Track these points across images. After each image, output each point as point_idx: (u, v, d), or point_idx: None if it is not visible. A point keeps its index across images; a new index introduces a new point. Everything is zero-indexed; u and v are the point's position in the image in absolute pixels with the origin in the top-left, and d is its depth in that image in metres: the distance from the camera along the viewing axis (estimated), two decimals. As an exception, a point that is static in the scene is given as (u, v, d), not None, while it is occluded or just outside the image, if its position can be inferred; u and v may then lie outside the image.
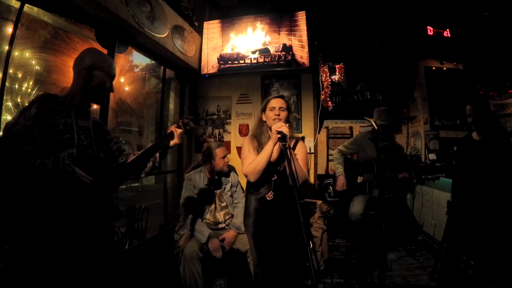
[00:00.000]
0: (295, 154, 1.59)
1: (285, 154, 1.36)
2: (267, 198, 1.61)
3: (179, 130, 1.41)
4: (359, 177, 2.50)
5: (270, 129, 1.66)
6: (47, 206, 1.06)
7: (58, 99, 1.18)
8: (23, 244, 1.07)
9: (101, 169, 1.23)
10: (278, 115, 1.60)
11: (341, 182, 2.51)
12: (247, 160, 1.60)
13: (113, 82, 1.35)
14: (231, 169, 2.35)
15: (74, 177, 1.08)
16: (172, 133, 1.39)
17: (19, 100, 2.68)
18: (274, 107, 1.62)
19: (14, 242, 1.08)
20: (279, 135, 1.44)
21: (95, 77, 1.23)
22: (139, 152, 1.36)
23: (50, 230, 1.07)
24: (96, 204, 1.17)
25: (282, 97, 1.68)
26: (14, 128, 1.04)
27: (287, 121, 1.62)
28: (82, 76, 1.22)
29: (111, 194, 1.30)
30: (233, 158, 3.43)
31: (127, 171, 1.36)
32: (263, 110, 1.69)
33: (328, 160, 4.24)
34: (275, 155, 1.58)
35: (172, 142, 1.40)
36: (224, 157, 2.19)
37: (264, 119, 1.69)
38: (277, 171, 1.62)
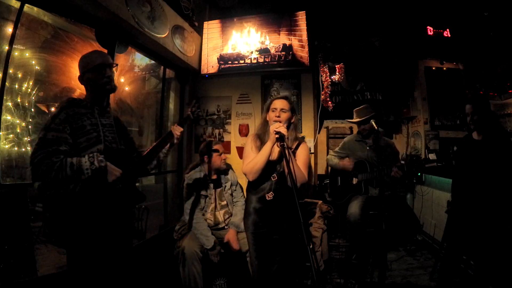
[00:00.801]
0: (295, 158, 1.60)
1: (283, 155, 1.36)
2: (267, 198, 1.61)
3: (180, 129, 1.56)
4: (354, 178, 2.51)
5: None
6: (84, 196, 1.20)
7: (81, 103, 1.32)
8: (64, 230, 1.21)
9: (125, 159, 1.38)
10: (278, 116, 1.60)
11: (345, 161, 2.50)
12: (247, 159, 1.61)
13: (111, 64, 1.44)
14: (229, 167, 2.35)
15: (106, 171, 1.22)
16: (171, 133, 1.54)
17: (19, 100, 2.67)
18: (276, 108, 1.62)
19: (56, 229, 1.22)
20: (277, 135, 1.44)
21: (90, 79, 1.35)
22: (148, 149, 1.52)
23: (86, 216, 1.21)
24: (123, 191, 1.33)
25: (285, 98, 1.69)
26: (49, 133, 1.17)
27: (288, 122, 1.62)
28: (86, 80, 1.37)
29: (135, 180, 1.48)
30: (233, 158, 3.43)
31: (145, 161, 1.52)
32: (267, 110, 1.69)
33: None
34: (275, 155, 1.59)
35: (173, 140, 1.55)
36: (220, 154, 2.20)
37: (267, 119, 1.69)
38: (277, 171, 1.62)
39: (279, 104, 1.63)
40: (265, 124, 1.70)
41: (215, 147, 2.20)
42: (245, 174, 1.59)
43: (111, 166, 1.24)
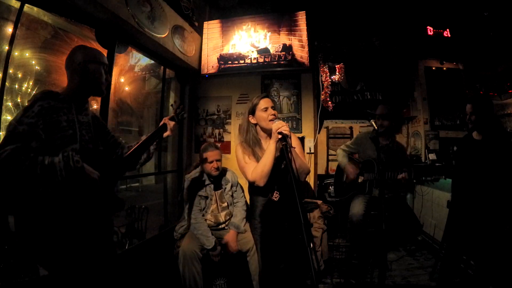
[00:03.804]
0: (294, 148, 1.57)
1: (285, 155, 1.33)
2: (274, 199, 1.60)
3: (172, 122, 1.50)
4: (360, 176, 2.50)
5: (264, 129, 1.64)
6: (56, 201, 1.07)
7: (58, 96, 1.19)
8: (33, 241, 1.08)
9: (102, 162, 1.25)
10: (274, 115, 1.58)
11: (350, 169, 2.47)
12: (249, 168, 1.57)
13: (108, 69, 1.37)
14: (224, 172, 2.28)
15: (83, 173, 1.08)
16: (165, 125, 1.48)
17: (19, 100, 2.68)
18: (267, 107, 1.59)
19: (25, 240, 1.08)
20: (279, 136, 1.43)
21: (91, 70, 1.25)
22: (136, 145, 1.41)
23: (58, 225, 1.08)
24: (100, 197, 1.20)
25: (268, 96, 1.67)
26: (19, 126, 1.03)
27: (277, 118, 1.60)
28: (77, 72, 1.24)
29: (113, 185, 1.34)
30: (233, 158, 3.43)
31: (126, 163, 1.40)
32: (251, 112, 1.65)
33: (328, 160, 4.24)
34: (276, 154, 1.58)
35: (165, 134, 1.49)
36: (211, 162, 2.11)
37: (253, 121, 1.66)
38: (279, 169, 1.61)
39: (268, 102, 1.60)
40: (250, 129, 1.66)
41: (205, 155, 2.12)
42: (254, 182, 1.54)
43: (88, 168, 1.10)
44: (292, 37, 3.34)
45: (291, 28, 3.35)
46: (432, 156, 3.63)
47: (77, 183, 1.08)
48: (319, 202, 2.83)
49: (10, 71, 2.46)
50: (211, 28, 3.57)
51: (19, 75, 2.69)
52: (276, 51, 3.33)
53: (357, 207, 2.33)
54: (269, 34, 3.41)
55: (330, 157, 4.20)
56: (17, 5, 1.85)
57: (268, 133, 1.61)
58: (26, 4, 1.86)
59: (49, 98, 1.14)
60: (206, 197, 2.17)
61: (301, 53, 3.26)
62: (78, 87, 1.24)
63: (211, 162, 2.12)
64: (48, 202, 1.06)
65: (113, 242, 1.50)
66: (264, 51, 3.36)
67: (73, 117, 1.20)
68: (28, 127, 1.03)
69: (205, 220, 2.14)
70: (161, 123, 1.50)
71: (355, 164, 2.52)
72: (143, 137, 1.45)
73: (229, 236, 2.06)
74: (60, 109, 1.15)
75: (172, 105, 1.70)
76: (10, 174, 0.97)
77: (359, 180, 2.49)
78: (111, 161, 1.38)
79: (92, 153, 1.23)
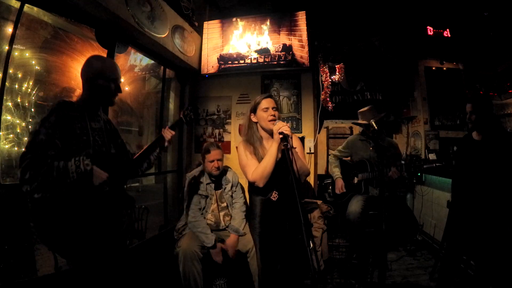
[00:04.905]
0: (295, 148, 1.58)
1: (286, 155, 1.33)
2: (273, 199, 1.60)
3: (171, 133, 1.57)
4: (355, 178, 2.52)
5: (264, 129, 1.64)
6: (70, 198, 1.21)
7: (73, 106, 1.31)
8: (52, 232, 1.21)
9: (113, 163, 1.39)
10: (274, 115, 1.58)
11: (339, 185, 2.54)
12: (250, 167, 1.57)
13: (119, 83, 1.45)
14: (224, 172, 2.27)
15: (91, 174, 1.23)
16: (161, 136, 1.56)
17: (19, 100, 2.67)
18: (267, 108, 1.60)
19: (44, 231, 1.22)
20: (281, 136, 1.43)
21: (99, 85, 1.35)
22: (142, 150, 1.54)
23: (73, 218, 1.22)
24: (112, 195, 1.34)
25: (271, 96, 1.68)
26: (38, 136, 1.17)
27: (278, 119, 1.61)
28: (87, 84, 1.35)
29: (124, 184, 1.48)
30: (233, 158, 3.43)
31: (135, 164, 1.55)
32: (253, 111, 1.66)
33: (328, 160, 4.24)
34: (277, 156, 1.58)
35: (165, 143, 1.57)
36: (212, 161, 2.11)
37: (254, 120, 1.66)
38: (279, 170, 1.61)
39: (269, 103, 1.61)
40: (252, 127, 1.67)
41: (207, 153, 2.12)
42: (254, 182, 1.54)
43: (97, 170, 1.25)
44: (292, 37, 3.34)
45: (291, 28, 3.35)
46: (432, 156, 3.63)
47: (88, 183, 1.22)
48: (319, 202, 2.83)
49: (10, 71, 2.45)
50: (211, 28, 3.57)
51: (19, 75, 2.69)
52: (276, 51, 3.33)
53: (354, 205, 2.35)
54: (269, 34, 3.41)
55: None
56: (17, 5, 1.85)
57: (269, 133, 1.61)
58: (26, 4, 1.87)
59: (64, 108, 1.27)
60: (206, 196, 2.17)
61: (301, 53, 3.26)
62: (89, 97, 1.36)
63: (212, 161, 2.13)
64: (64, 199, 1.20)
65: (123, 236, 1.62)
66: (264, 51, 3.36)
67: (86, 124, 1.33)
68: (45, 137, 1.17)
69: (206, 219, 2.14)
70: (160, 134, 1.57)
71: (343, 181, 2.57)
72: (145, 146, 1.56)
73: (230, 241, 2.05)
74: (75, 118, 1.28)
75: (185, 104, 1.73)
76: (31, 180, 1.12)
77: (354, 182, 2.51)
78: (122, 162, 1.49)
79: (105, 156, 1.37)
